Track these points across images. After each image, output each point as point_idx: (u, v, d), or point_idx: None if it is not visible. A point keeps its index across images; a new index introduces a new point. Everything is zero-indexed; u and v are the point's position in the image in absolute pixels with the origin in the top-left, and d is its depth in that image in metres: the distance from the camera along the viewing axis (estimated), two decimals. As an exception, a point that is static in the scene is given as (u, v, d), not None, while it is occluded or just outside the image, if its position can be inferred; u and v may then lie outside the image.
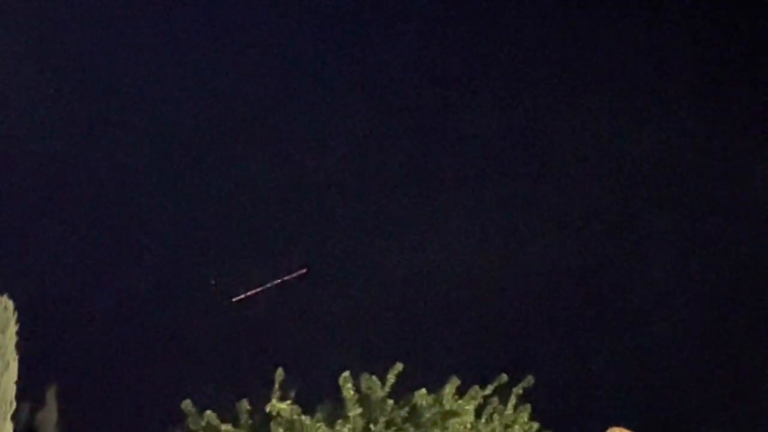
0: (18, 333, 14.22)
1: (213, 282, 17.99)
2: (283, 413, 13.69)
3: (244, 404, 14.02)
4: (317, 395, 14.10)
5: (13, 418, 14.21)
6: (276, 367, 13.99)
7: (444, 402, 13.92)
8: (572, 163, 19.20)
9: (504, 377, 14.18)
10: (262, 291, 18.69)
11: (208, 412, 13.88)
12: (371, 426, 13.76)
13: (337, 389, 13.72)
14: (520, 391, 14.21)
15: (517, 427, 14.18)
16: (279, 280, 18.71)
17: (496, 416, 14.14)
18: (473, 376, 13.98)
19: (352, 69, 19.90)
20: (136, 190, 18.79)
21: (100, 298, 17.87)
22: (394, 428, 13.81)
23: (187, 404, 14.03)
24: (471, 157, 19.35)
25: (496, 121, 19.54)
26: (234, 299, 18.52)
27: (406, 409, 13.95)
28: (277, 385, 13.97)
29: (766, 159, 19.14)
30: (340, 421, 13.73)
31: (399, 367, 13.96)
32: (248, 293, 18.62)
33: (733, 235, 18.95)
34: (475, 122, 19.58)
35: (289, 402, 13.77)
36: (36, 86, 18.92)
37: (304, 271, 18.87)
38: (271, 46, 19.94)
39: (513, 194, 18.89)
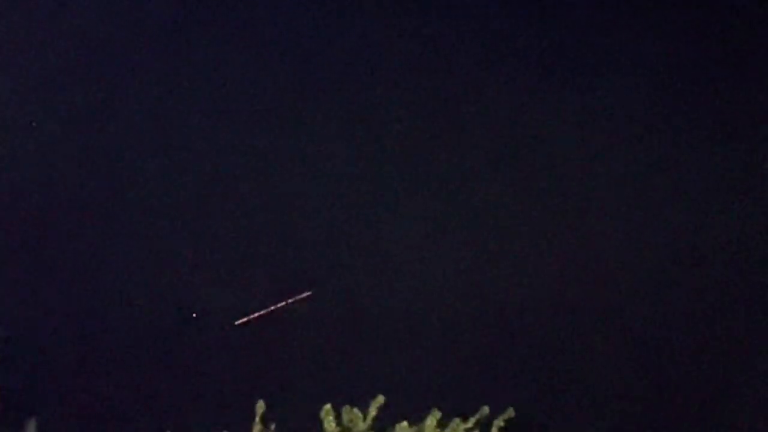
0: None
1: (194, 315, 17.92)
2: (262, 447, 13.72)
3: (226, 438, 14.07)
4: (298, 428, 14.07)
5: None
6: (257, 397, 14.00)
7: (425, 434, 13.90)
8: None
9: (485, 409, 14.16)
10: (265, 314, 18.61)
11: (189, 445, 13.95)
12: (351, 459, 13.76)
13: (319, 422, 13.73)
14: (501, 424, 14.17)
15: (497, 459, 14.15)
16: (282, 303, 18.62)
17: (477, 448, 14.11)
18: (455, 409, 13.95)
19: (352, 80, 19.78)
20: (131, 207, 18.65)
21: (85, 324, 17.82)
22: (374, 461, 13.82)
23: (167, 438, 14.09)
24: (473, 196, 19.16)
25: (505, 152, 19.34)
26: (237, 322, 18.45)
27: (387, 442, 13.95)
28: (258, 418, 13.98)
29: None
30: (319, 454, 13.76)
31: (381, 399, 13.97)
32: (251, 316, 18.55)
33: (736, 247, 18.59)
34: (485, 147, 19.40)
35: (270, 435, 13.81)
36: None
37: (308, 293, 18.75)
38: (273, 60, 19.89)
39: (505, 224, 18.67)
